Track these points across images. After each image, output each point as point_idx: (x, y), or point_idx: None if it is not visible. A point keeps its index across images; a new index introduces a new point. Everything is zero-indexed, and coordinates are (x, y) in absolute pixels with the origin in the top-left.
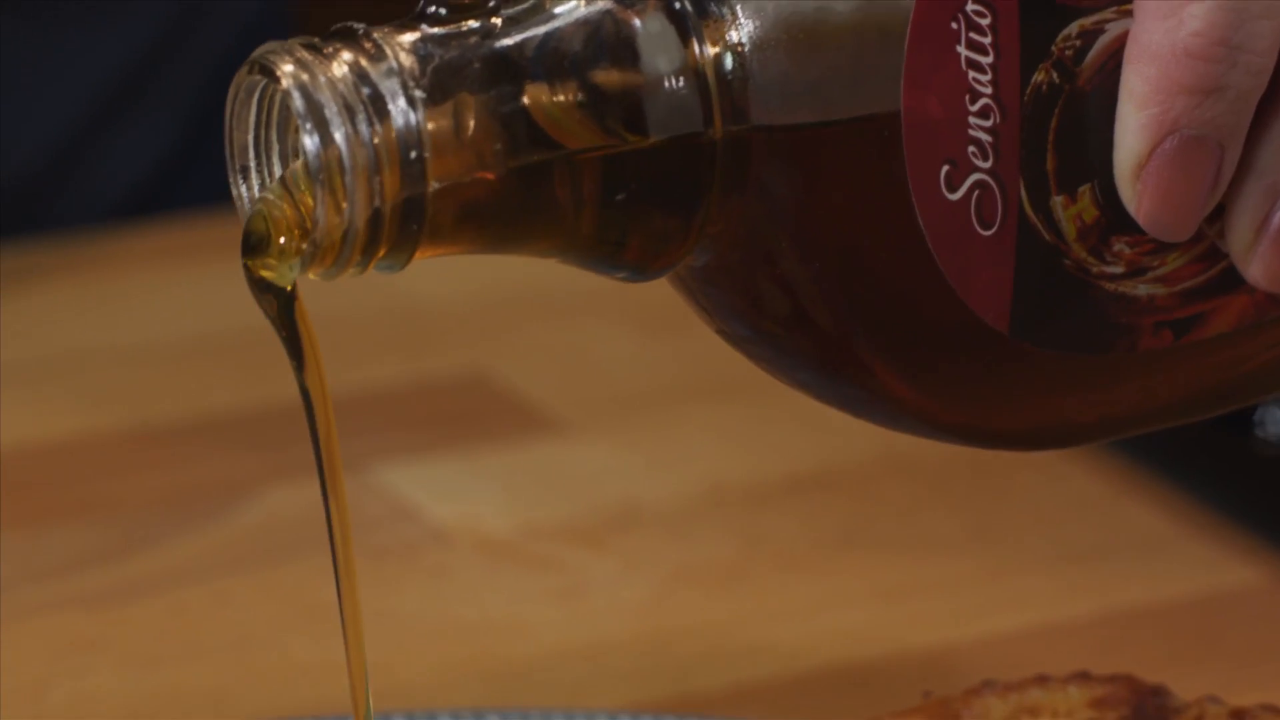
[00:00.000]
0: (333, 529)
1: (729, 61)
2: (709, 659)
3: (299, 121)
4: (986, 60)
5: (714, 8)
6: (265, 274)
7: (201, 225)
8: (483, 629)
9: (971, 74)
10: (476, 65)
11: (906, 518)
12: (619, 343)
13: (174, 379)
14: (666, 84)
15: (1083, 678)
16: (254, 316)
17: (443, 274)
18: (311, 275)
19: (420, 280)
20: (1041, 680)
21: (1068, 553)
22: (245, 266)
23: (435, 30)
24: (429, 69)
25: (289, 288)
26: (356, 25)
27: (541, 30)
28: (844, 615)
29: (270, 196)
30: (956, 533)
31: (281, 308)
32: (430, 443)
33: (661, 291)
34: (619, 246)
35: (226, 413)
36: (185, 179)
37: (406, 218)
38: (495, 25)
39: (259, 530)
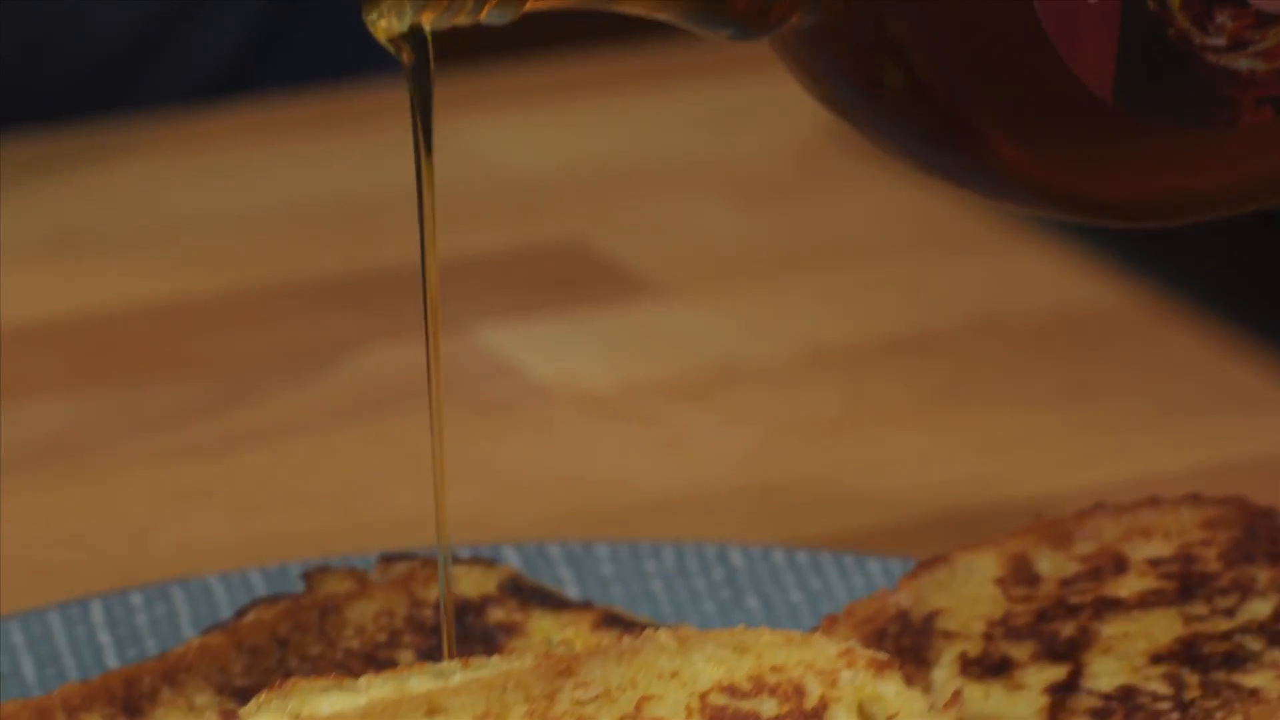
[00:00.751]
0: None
1: None
2: (813, 508)
3: None
4: None
5: None
6: (383, 24)
7: (291, 103)
8: (585, 480)
9: None
10: None
11: (1005, 375)
12: (719, 213)
13: (272, 247)
14: None
15: (1194, 500)
16: (348, 189)
17: (544, 145)
18: (425, 23)
19: (522, 152)
20: (1154, 502)
21: (1168, 408)
22: (369, 23)
23: None
24: None
25: (416, 30)
26: None
27: None
28: (945, 467)
29: None
30: (1055, 389)
31: (413, 52)
32: (531, 305)
33: (760, 164)
34: None
35: (325, 277)
36: (273, 58)
37: None
38: None
39: (362, 386)
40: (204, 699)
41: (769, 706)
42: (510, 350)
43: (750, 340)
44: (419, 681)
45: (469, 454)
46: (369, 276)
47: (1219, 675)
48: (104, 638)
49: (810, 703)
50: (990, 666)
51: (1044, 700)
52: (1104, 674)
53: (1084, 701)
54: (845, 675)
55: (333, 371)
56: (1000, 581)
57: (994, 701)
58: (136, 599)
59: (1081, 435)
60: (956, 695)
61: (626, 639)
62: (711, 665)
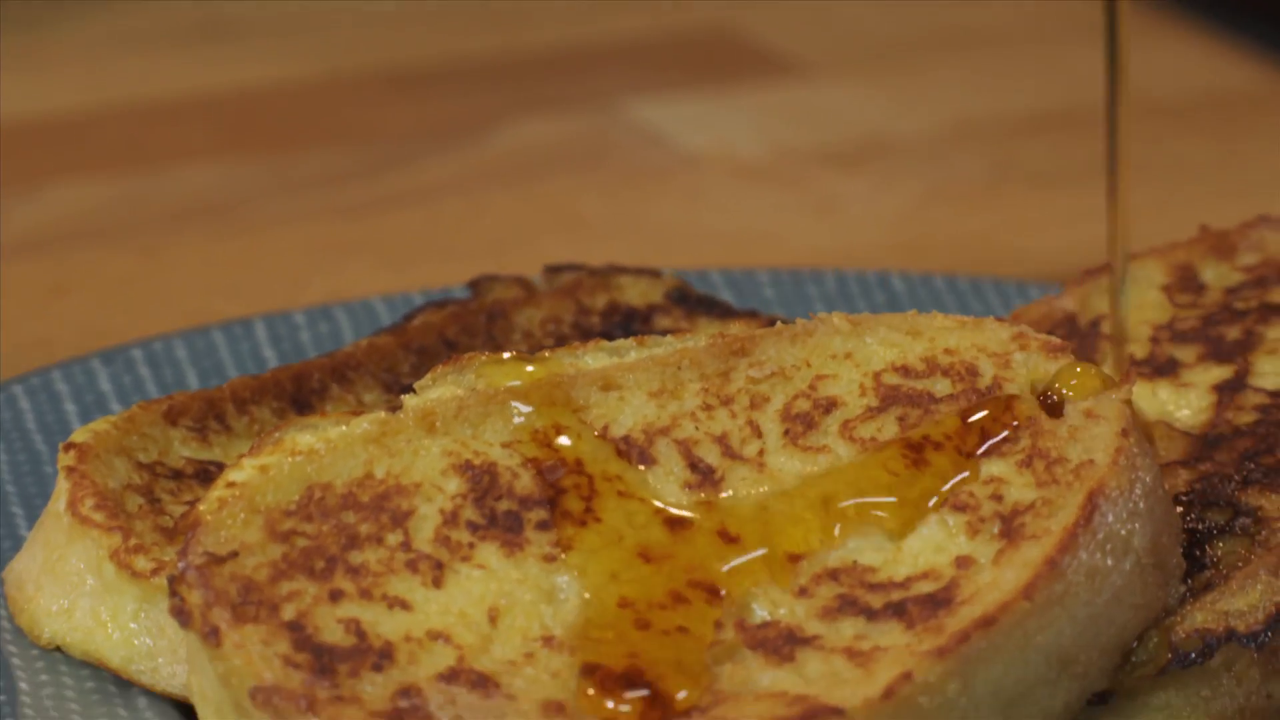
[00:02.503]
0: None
1: None
2: (965, 263)
3: None
4: None
5: None
6: None
7: None
8: (738, 238)
9: None
10: None
11: (1154, 149)
12: None
13: (417, 29)
14: None
15: None
16: None
17: None
18: None
19: None
20: None
21: None
22: None
23: None
24: None
25: None
26: None
27: None
28: (1096, 227)
29: None
30: (1203, 163)
31: None
32: (682, 82)
33: None
34: None
35: (474, 56)
36: None
37: None
38: None
39: (513, 153)
40: (372, 397)
41: (942, 386)
42: (661, 123)
43: (898, 115)
44: (595, 358)
45: (624, 216)
46: (518, 56)
47: None
48: (268, 353)
49: (984, 383)
50: (1157, 367)
51: (1212, 398)
52: (1270, 373)
53: (1251, 398)
54: (1018, 357)
55: (483, 141)
56: (1165, 289)
57: (1162, 399)
58: (299, 318)
59: (1229, 200)
60: (1130, 373)
61: (800, 321)
62: (884, 347)
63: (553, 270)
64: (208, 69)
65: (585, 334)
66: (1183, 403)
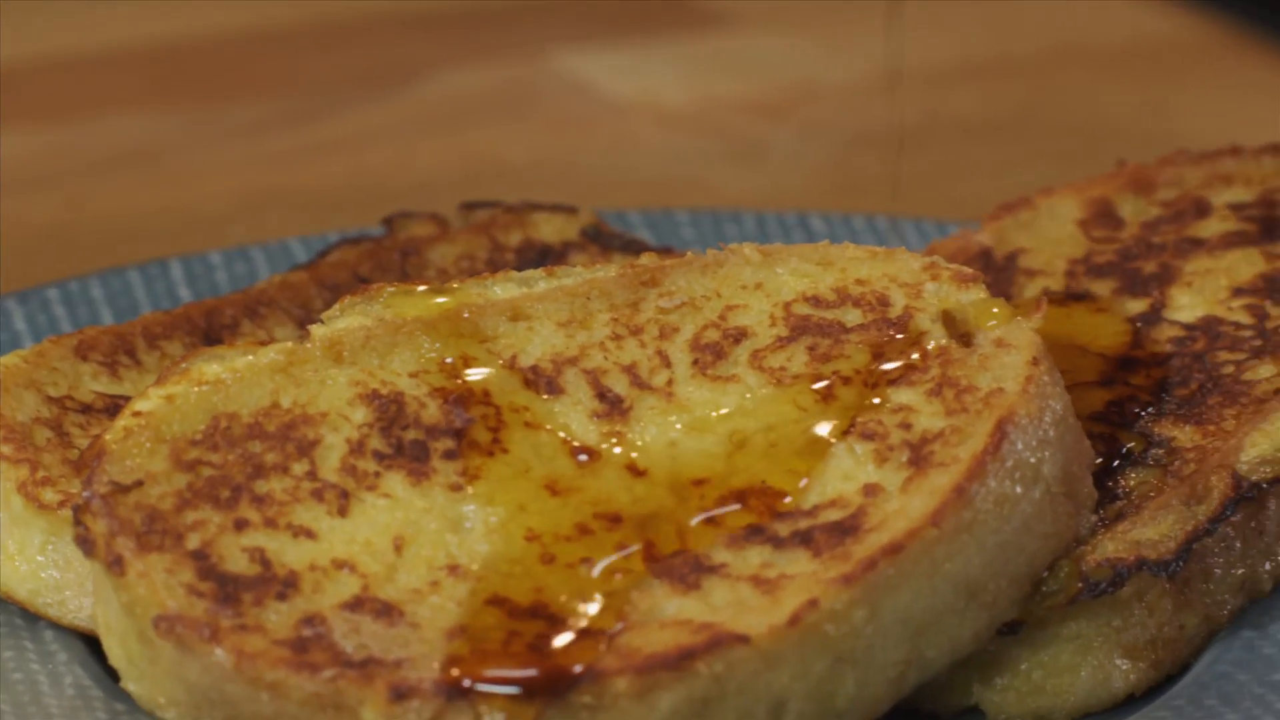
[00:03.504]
0: None
1: None
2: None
3: None
4: None
5: None
6: None
7: None
8: (663, 184)
9: None
10: None
11: (1081, 98)
12: None
13: None
14: None
15: (1275, 149)
16: None
17: None
18: None
19: None
20: (1235, 151)
21: (1244, 131)
22: None
23: None
24: None
25: None
26: None
27: None
28: (1022, 174)
29: None
30: (1132, 112)
31: None
32: (608, 31)
33: None
34: None
35: (402, 6)
36: None
37: None
38: None
39: (440, 102)
40: (284, 333)
41: (853, 316)
42: (589, 72)
43: (826, 63)
44: (505, 288)
45: (549, 164)
46: (446, 6)
47: None
48: (184, 293)
49: (894, 312)
50: (1073, 299)
51: (1127, 327)
52: (1186, 306)
53: (1166, 330)
54: (930, 287)
55: (410, 90)
56: (1082, 223)
57: (1077, 321)
58: (216, 258)
59: (1152, 149)
60: (1040, 301)
61: (711, 251)
62: (795, 278)
63: (468, 207)
64: (133, 20)
65: (499, 270)
66: (1099, 327)
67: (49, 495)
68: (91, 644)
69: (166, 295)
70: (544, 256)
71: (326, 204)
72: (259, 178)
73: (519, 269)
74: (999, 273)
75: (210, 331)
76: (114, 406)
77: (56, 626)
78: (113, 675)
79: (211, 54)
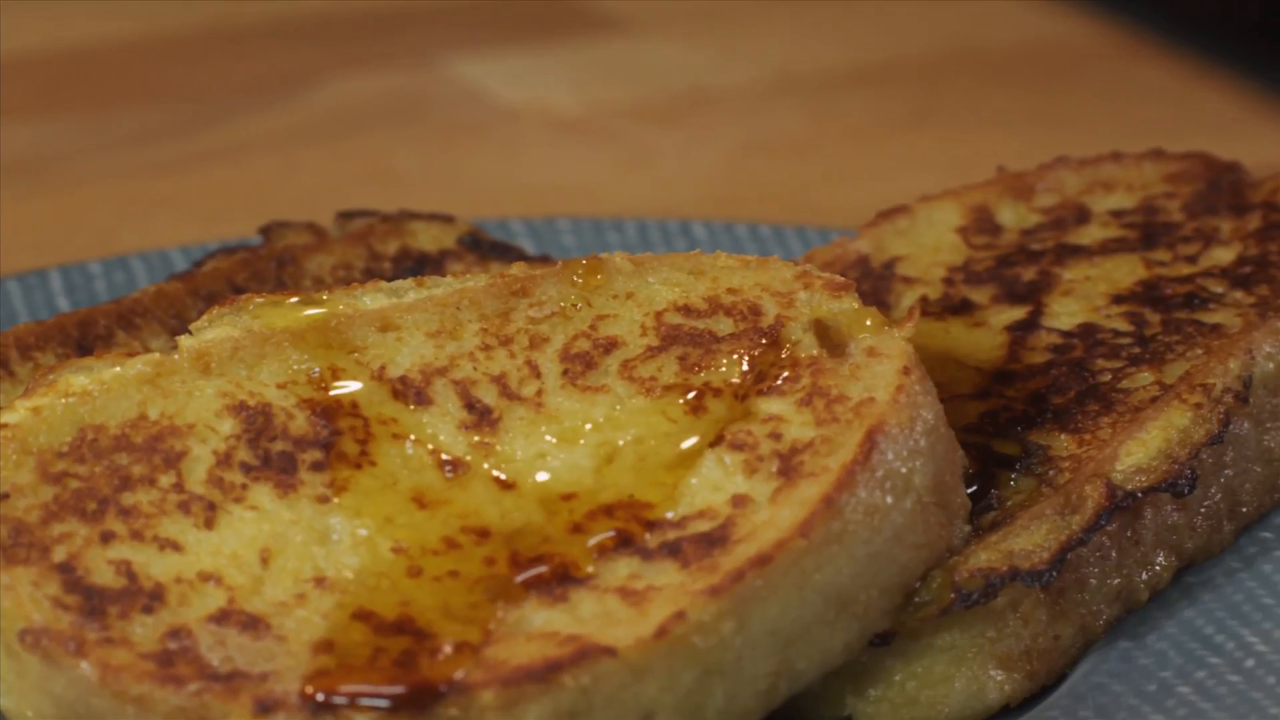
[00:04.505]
0: None
1: None
2: (780, 218)
3: None
4: None
5: None
6: None
7: None
8: (552, 192)
9: None
10: None
11: (974, 103)
12: None
13: None
14: None
15: (1157, 155)
16: None
17: None
18: None
19: None
20: (1116, 157)
21: (1138, 133)
22: None
23: None
24: None
25: None
26: None
27: None
28: (912, 182)
29: None
30: (1024, 115)
31: None
32: (500, 38)
33: None
34: None
35: (294, 13)
36: None
37: None
38: None
39: (330, 110)
40: (159, 344)
41: (725, 325)
42: (480, 79)
43: (718, 69)
44: (374, 299)
45: (437, 171)
46: (338, 13)
47: (1180, 314)
48: (62, 303)
49: (766, 322)
50: (950, 308)
51: (1004, 338)
52: (1064, 313)
53: (1044, 338)
54: (802, 296)
55: (300, 98)
56: (961, 230)
57: (954, 336)
58: (95, 268)
59: (1043, 152)
60: (913, 311)
61: (581, 260)
62: (667, 287)
63: (345, 216)
64: (19, 29)
65: (377, 280)
66: (976, 341)
67: None
68: None
69: (45, 305)
70: (421, 265)
71: (212, 213)
72: (145, 186)
73: (396, 278)
74: (877, 280)
75: (84, 342)
76: None
77: None
78: None
79: (98, 62)
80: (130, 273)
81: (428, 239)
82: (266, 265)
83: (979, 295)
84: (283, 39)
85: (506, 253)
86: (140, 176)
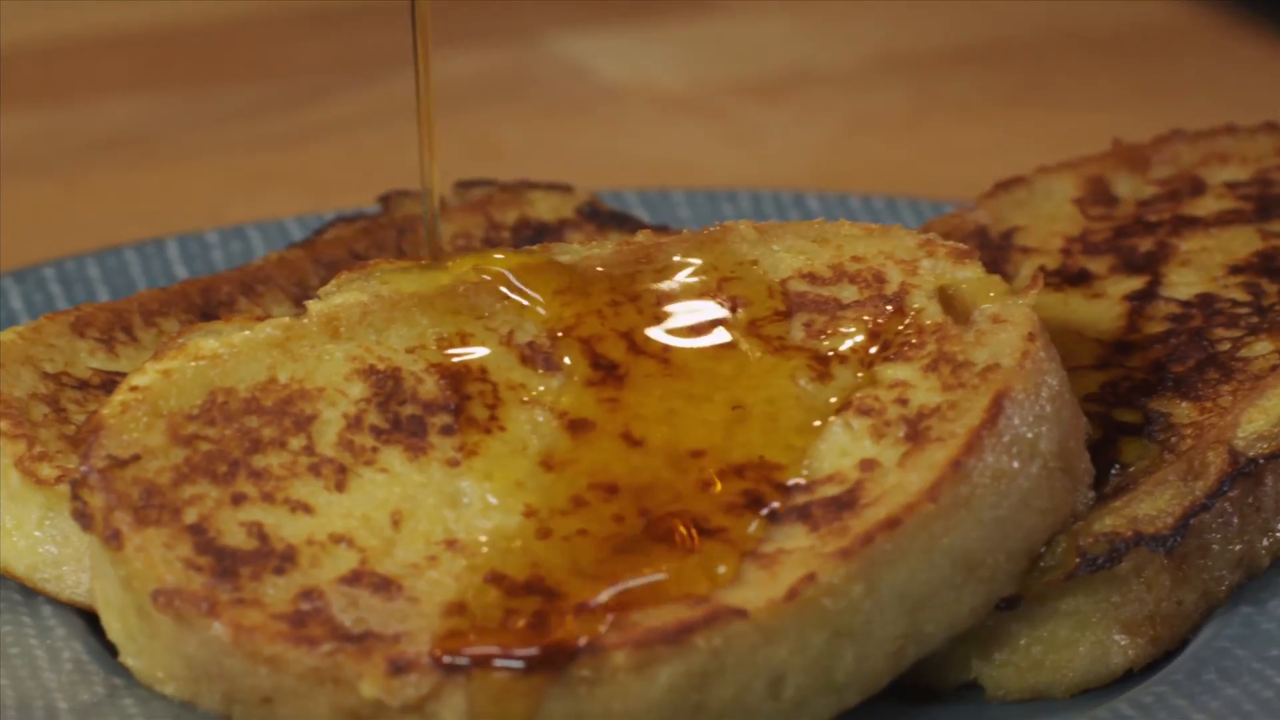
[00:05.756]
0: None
1: None
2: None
3: None
4: None
5: None
6: None
7: None
8: (657, 167)
9: None
10: None
11: (1076, 81)
12: None
13: None
14: None
15: (1271, 127)
16: None
17: None
18: None
19: None
20: (1230, 130)
21: (1240, 111)
22: None
23: None
24: None
25: None
26: None
27: None
28: (1017, 158)
29: None
30: (1127, 93)
31: None
32: (602, 15)
33: None
34: None
35: None
36: None
37: None
38: None
39: (435, 86)
40: (280, 311)
41: (848, 293)
42: (583, 56)
43: (821, 47)
44: (502, 264)
45: (542, 147)
46: None
47: None
48: (180, 271)
49: (890, 289)
50: (1069, 278)
51: (1123, 307)
52: (1182, 284)
53: (1162, 308)
54: (926, 264)
55: (402, 75)
56: (1078, 201)
57: (1073, 308)
58: (212, 237)
59: (1151, 133)
60: (1036, 278)
61: (707, 228)
62: (791, 255)
63: (464, 185)
64: (128, 5)
65: (495, 248)
66: (1095, 312)
67: (46, 471)
68: (90, 619)
69: (163, 274)
70: (540, 234)
71: (320, 188)
72: (251, 161)
73: (515, 247)
74: (995, 250)
75: (207, 308)
76: (111, 383)
77: (54, 602)
78: (111, 650)
79: (204, 38)
80: (247, 242)
81: (546, 208)
82: (386, 234)
83: (1097, 266)
84: (387, 15)
85: (625, 222)
86: (247, 151)
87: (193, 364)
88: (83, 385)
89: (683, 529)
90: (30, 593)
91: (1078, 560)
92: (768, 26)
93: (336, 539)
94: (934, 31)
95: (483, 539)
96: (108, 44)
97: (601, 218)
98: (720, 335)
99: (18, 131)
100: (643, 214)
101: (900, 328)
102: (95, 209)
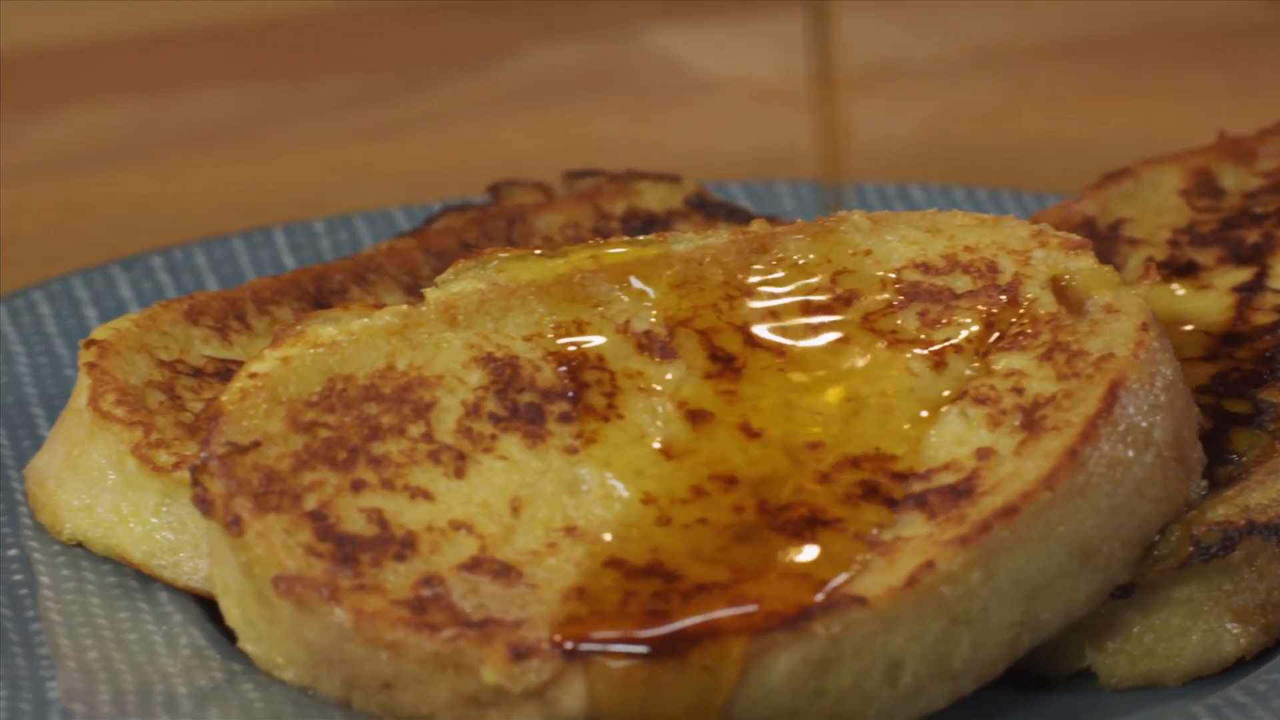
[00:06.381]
0: None
1: None
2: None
3: None
4: None
5: None
6: None
7: None
8: (755, 159)
9: None
10: None
11: (1168, 74)
12: None
13: None
14: None
15: None
16: None
17: None
18: None
19: None
20: None
21: None
22: None
23: None
24: None
25: None
26: None
27: None
28: (1111, 152)
29: None
30: (1218, 88)
31: None
32: (696, 8)
33: None
34: None
35: None
36: None
37: None
38: None
39: (528, 79)
40: (392, 299)
41: (962, 282)
42: (677, 49)
43: (911, 41)
44: (618, 252)
45: (641, 139)
46: None
47: None
48: (288, 260)
49: (1004, 279)
50: (1176, 270)
51: (1231, 299)
52: None
53: (1270, 299)
54: (1038, 254)
55: (498, 67)
56: (1184, 193)
57: (1182, 300)
58: (319, 226)
59: (1238, 124)
60: (1149, 268)
61: (821, 219)
62: (905, 244)
63: (572, 176)
64: None
65: (604, 239)
66: (1204, 304)
67: (163, 458)
68: (206, 605)
69: (270, 262)
70: (648, 225)
71: (418, 179)
72: (350, 152)
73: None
74: (1102, 242)
75: (319, 297)
76: (225, 370)
77: (171, 588)
78: (228, 636)
79: (301, 31)
80: (354, 231)
81: (654, 199)
82: (496, 223)
83: (1204, 257)
84: (482, 8)
85: (733, 213)
86: (345, 142)
87: (312, 351)
88: (197, 373)
89: (801, 520)
90: (147, 579)
91: (1191, 549)
92: (859, 19)
93: (456, 525)
94: (1024, 25)
95: (602, 526)
96: (206, 36)
97: (709, 208)
98: (834, 327)
99: (117, 122)
100: (747, 205)
101: (1014, 318)
102: (194, 199)
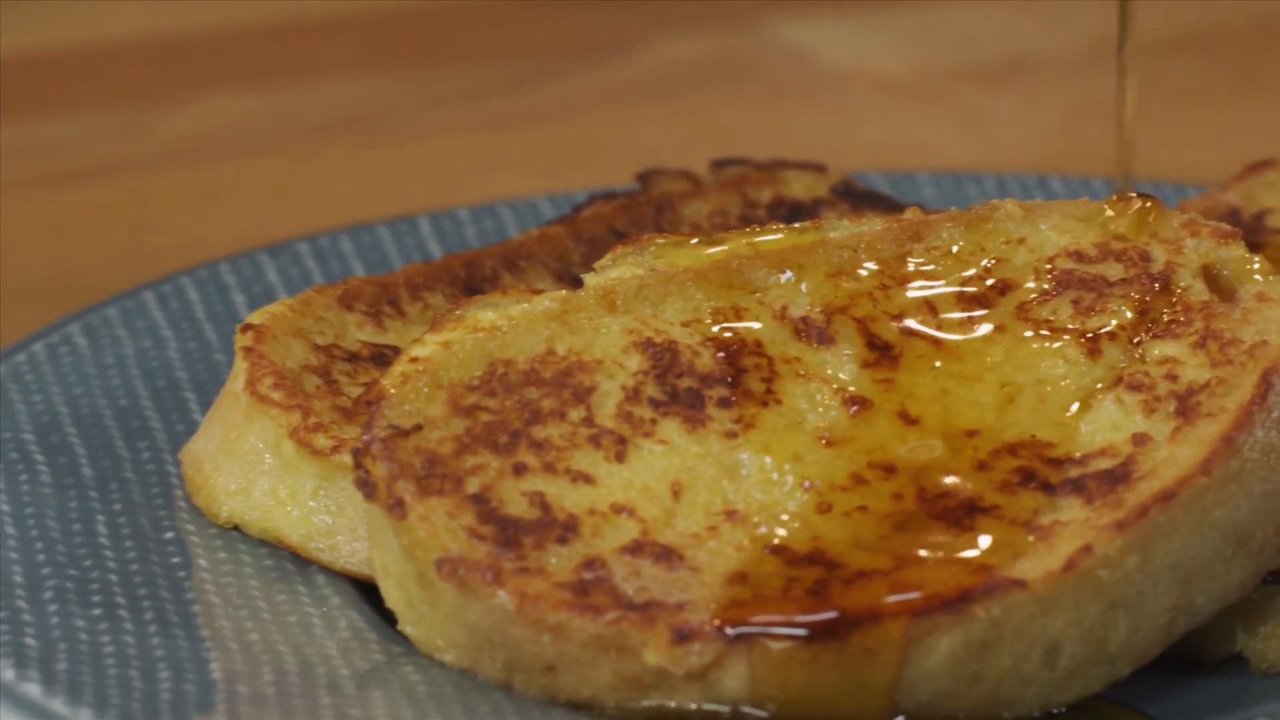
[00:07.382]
0: None
1: None
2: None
3: None
4: None
5: None
6: None
7: None
8: (888, 150)
9: None
10: None
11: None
12: None
13: None
14: None
15: None
16: None
17: None
18: None
19: None
20: None
21: None
22: None
23: None
24: None
25: None
26: None
27: None
28: (1241, 144)
29: None
30: None
31: None
32: (821, 1)
33: None
34: None
35: None
36: None
37: None
38: None
39: (656, 70)
40: (543, 284)
41: (1115, 271)
42: (805, 40)
43: (1040, 34)
44: (771, 240)
45: (772, 130)
46: None
47: None
48: (434, 247)
49: (1156, 268)
50: None
51: None
52: None
53: None
54: (1190, 243)
55: (626, 58)
56: None
57: None
58: (464, 214)
59: None
60: None
61: (973, 207)
62: (1058, 233)
63: (719, 164)
64: None
65: (752, 225)
66: None
67: (321, 441)
68: (363, 588)
69: (416, 249)
70: (796, 213)
71: (550, 169)
72: (480, 141)
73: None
74: (1247, 232)
75: (470, 282)
76: (380, 355)
77: (328, 571)
78: (386, 619)
79: (430, 20)
80: (498, 219)
81: (801, 187)
82: (645, 211)
83: None
84: (611, 2)
85: (879, 202)
86: (475, 132)
87: (472, 336)
88: (352, 357)
89: (959, 507)
90: (304, 562)
91: None
92: (987, 13)
93: (617, 509)
94: (1151, 19)
95: (762, 510)
96: (336, 25)
97: (855, 196)
98: (989, 315)
99: (251, 110)
100: (892, 194)
101: (1167, 306)
102: (328, 187)
